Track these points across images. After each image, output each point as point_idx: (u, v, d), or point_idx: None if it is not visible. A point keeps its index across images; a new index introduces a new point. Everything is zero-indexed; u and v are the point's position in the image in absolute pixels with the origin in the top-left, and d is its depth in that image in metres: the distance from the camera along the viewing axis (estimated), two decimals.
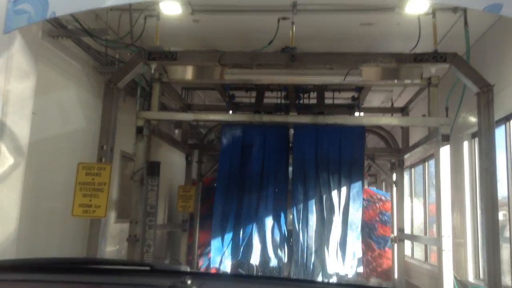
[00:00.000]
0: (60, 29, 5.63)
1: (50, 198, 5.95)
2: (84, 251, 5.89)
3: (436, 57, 5.62)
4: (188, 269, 1.54)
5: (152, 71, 6.47)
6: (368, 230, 10.11)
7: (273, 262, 7.20)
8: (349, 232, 7.17)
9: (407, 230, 10.23)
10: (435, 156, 7.48)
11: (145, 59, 5.96)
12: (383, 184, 14.43)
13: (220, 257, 7.18)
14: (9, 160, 4.35)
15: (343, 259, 7.11)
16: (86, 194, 5.70)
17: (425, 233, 10.65)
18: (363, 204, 7.57)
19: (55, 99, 5.95)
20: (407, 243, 10.70)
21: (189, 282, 1.34)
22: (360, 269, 7.43)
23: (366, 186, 11.08)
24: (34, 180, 5.44)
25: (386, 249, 10.22)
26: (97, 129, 6.17)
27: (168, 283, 1.35)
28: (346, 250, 7.13)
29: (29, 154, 4.82)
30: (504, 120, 6.51)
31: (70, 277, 1.47)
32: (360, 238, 7.32)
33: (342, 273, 7.12)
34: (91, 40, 6.21)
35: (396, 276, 9.32)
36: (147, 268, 1.55)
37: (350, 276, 7.18)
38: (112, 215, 7.68)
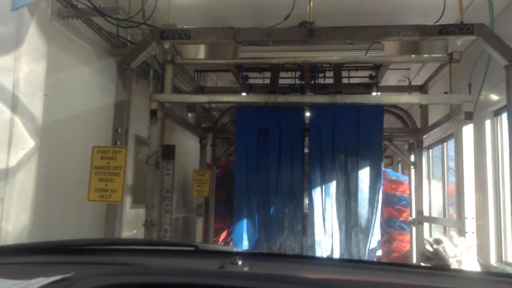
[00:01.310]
0: (70, 9, 5.48)
1: (65, 183, 5.86)
2: (102, 236, 5.82)
3: (462, 28, 5.36)
4: (234, 250, 1.40)
5: (165, 50, 6.29)
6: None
7: (292, 246, 7.12)
8: (369, 214, 7.03)
9: (426, 213, 10.03)
10: (456, 135, 7.27)
11: (158, 39, 5.79)
12: (399, 166, 14.21)
13: (242, 241, 7.14)
14: (23, 143, 4.23)
15: (364, 242, 6.99)
16: (102, 179, 5.59)
17: (444, 216, 10.45)
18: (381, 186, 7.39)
19: (67, 81, 5.82)
20: (425, 226, 10.52)
21: (240, 262, 1.19)
22: (379, 252, 7.31)
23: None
24: (48, 165, 5.35)
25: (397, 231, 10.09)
26: (111, 112, 6.05)
27: (217, 264, 1.21)
28: (368, 233, 7.00)
29: (42, 138, 4.71)
30: None
31: (117, 259, 1.34)
32: (379, 220, 7.18)
33: (363, 256, 7.00)
34: (102, 21, 6.06)
35: (414, 259, 9.16)
36: (192, 248, 1.41)
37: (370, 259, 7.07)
38: (128, 200, 7.61)
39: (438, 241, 2.50)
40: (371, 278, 1.24)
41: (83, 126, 6.21)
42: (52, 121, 5.33)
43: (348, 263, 1.42)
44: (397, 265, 1.43)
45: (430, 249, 2.51)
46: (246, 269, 1.21)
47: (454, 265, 2.33)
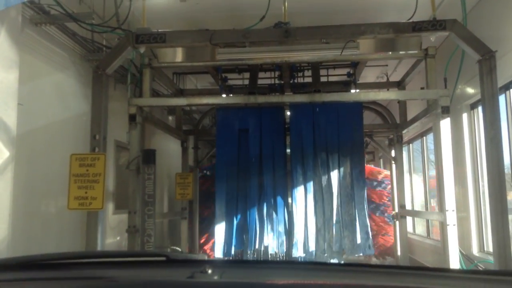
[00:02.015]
0: (43, 15, 5.40)
1: (44, 192, 5.79)
2: (83, 244, 5.75)
3: (435, 25, 5.43)
4: (206, 257, 1.39)
5: (142, 54, 6.25)
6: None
7: (276, 246, 7.11)
8: (353, 211, 7.06)
9: (408, 207, 10.16)
10: (434, 129, 7.36)
11: (133, 43, 5.74)
12: (381, 161, 14.36)
13: (223, 244, 7.09)
14: None
15: (350, 238, 7.01)
16: (81, 186, 5.51)
17: (426, 209, 10.60)
18: (366, 183, 7.44)
19: (42, 89, 5.74)
20: (409, 219, 10.65)
21: (209, 271, 1.20)
22: (371, 251, 7.26)
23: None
24: (25, 174, 5.27)
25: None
26: (88, 119, 5.98)
27: (187, 273, 1.20)
28: (353, 229, 7.02)
29: (18, 148, 4.63)
30: (504, 89, 6.37)
31: (81, 273, 1.33)
32: (367, 217, 7.20)
33: (354, 254, 7.03)
34: (77, 27, 5.99)
35: (399, 252, 9.27)
36: (163, 258, 1.40)
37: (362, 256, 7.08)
38: (110, 206, 7.54)
39: None
40: (341, 280, 1.25)
41: (60, 133, 6.13)
42: (28, 130, 5.26)
43: (320, 266, 1.43)
44: (369, 266, 1.44)
45: None
46: (215, 277, 1.21)
47: None
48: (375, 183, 10.29)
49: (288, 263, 1.36)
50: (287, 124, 7.61)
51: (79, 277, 1.27)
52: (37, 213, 5.65)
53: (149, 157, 6.67)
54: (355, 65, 7.92)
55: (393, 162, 9.51)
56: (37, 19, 5.46)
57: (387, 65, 9.48)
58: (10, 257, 1.50)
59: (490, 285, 1.25)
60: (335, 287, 1.16)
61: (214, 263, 1.26)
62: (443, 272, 1.35)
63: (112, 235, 7.60)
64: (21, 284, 1.15)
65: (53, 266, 1.37)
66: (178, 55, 6.69)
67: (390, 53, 6.65)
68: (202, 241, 9.71)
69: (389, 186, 9.99)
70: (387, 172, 10.28)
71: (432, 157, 9.92)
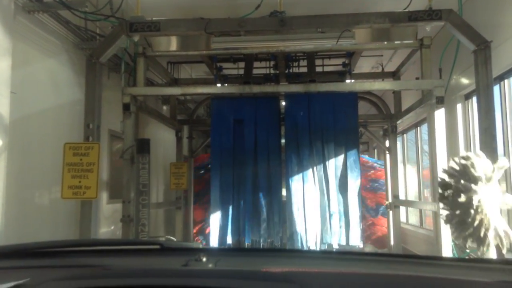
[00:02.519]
0: (36, 3, 5.33)
1: (38, 181, 5.76)
2: (77, 234, 5.74)
3: (431, 14, 5.42)
4: (201, 246, 1.39)
5: (136, 43, 6.19)
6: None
7: (270, 235, 7.13)
8: (349, 201, 7.09)
9: (402, 196, 10.21)
10: (428, 119, 7.37)
11: (127, 31, 5.68)
12: (375, 151, 14.40)
13: (218, 233, 7.11)
14: None
15: (345, 229, 7.04)
16: (75, 176, 5.50)
17: (420, 199, 10.65)
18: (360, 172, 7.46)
19: (35, 78, 5.68)
20: (402, 209, 10.71)
21: (204, 259, 1.19)
22: (359, 242, 7.29)
23: None
24: (19, 163, 5.24)
25: (379, 216, 10.21)
26: (82, 107, 5.94)
27: (181, 261, 1.20)
28: (348, 220, 7.05)
29: (11, 136, 4.60)
30: (498, 79, 6.38)
31: (75, 261, 1.32)
32: (360, 207, 7.23)
33: (344, 243, 7.06)
34: (70, 15, 5.92)
35: (392, 242, 9.33)
36: (157, 247, 1.39)
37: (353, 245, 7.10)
38: (104, 196, 7.52)
39: (466, 158, 2.30)
40: (337, 269, 1.25)
41: (53, 122, 6.08)
42: (21, 118, 5.22)
43: (314, 254, 1.44)
44: (364, 254, 1.44)
45: (456, 166, 2.32)
46: (210, 265, 1.21)
47: (482, 182, 2.20)
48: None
49: (282, 251, 1.37)
50: (282, 114, 7.59)
51: (73, 265, 1.27)
52: (30, 202, 5.63)
53: (143, 146, 6.63)
54: (351, 55, 7.90)
55: (387, 152, 9.54)
56: (30, 7, 5.39)
57: (382, 56, 9.47)
58: (2, 245, 1.49)
59: (482, 273, 1.25)
60: (331, 274, 1.16)
61: (208, 251, 1.26)
62: (436, 260, 1.36)
63: (106, 224, 7.59)
64: (15, 272, 1.14)
65: (47, 254, 1.36)
66: (172, 44, 6.65)
67: (386, 43, 6.64)
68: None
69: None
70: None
71: (426, 147, 9.96)
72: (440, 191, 2.44)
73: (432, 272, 1.18)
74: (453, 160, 2.49)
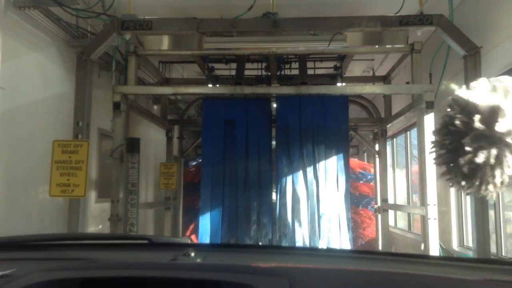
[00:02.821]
0: None
1: (26, 178, 5.70)
2: (65, 232, 5.69)
3: (422, 19, 5.47)
4: (189, 241, 1.39)
5: (127, 41, 6.17)
6: None
7: (260, 237, 7.13)
8: (338, 204, 7.11)
9: (391, 201, 10.27)
10: (418, 124, 7.42)
11: (119, 29, 5.66)
12: (365, 155, 14.48)
13: (208, 234, 7.09)
14: None
15: (334, 230, 7.06)
16: (64, 173, 5.46)
17: (408, 203, 10.72)
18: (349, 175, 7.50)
19: (24, 74, 5.63)
20: (391, 213, 10.77)
21: (192, 254, 1.19)
22: (348, 246, 7.31)
23: None
24: (7, 160, 5.19)
25: (363, 208, 10.29)
26: (72, 105, 5.90)
27: (169, 256, 1.20)
28: (338, 223, 7.07)
29: (0, 132, 4.55)
30: None
31: (65, 254, 1.31)
32: (350, 210, 7.26)
33: (333, 244, 7.08)
34: (61, 12, 5.88)
35: (380, 246, 9.37)
36: (145, 241, 1.39)
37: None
38: (93, 195, 7.46)
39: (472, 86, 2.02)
40: (326, 264, 1.26)
41: (42, 119, 6.03)
42: (10, 114, 5.17)
43: (303, 250, 1.44)
44: (353, 251, 1.45)
45: (463, 95, 1.99)
46: (198, 260, 1.20)
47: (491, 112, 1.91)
48: (369, 176, 10.42)
49: (271, 247, 1.37)
50: (273, 116, 7.61)
51: (59, 258, 1.25)
52: (18, 199, 5.56)
53: (133, 145, 6.59)
54: (342, 59, 7.94)
55: (377, 156, 9.58)
56: (21, 3, 5.34)
57: (373, 60, 9.52)
58: None
59: (470, 271, 1.26)
60: (319, 270, 1.16)
61: (197, 246, 1.26)
62: (425, 259, 1.37)
63: (94, 223, 7.53)
64: (1, 264, 1.13)
65: (34, 247, 1.35)
66: (164, 43, 6.62)
67: (377, 46, 6.68)
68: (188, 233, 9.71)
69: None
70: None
71: (415, 152, 10.02)
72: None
73: (420, 270, 1.18)
74: (456, 94, 2.08)
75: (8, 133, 5.14)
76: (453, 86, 7.29)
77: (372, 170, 10.47)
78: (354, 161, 10.60)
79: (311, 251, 1.44)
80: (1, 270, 1.04)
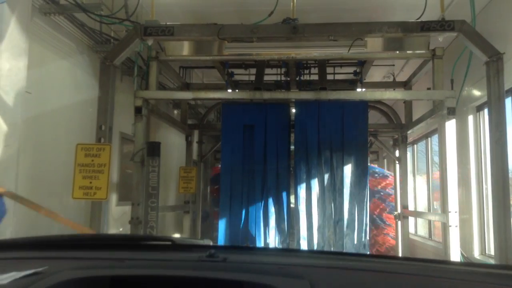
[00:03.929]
0: (52, 5, 5.42)
1: (49, 180, 5.82)
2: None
3: (443, 25, 5.42)
4: (211, 243, 1.42)
5: (149, 47, 6.27)
6: None
7: (277, 243, 7.13)
8: (355, 210, 7.07)
9: (411, 207, 10.15)
10: (439, 130, 7.35)
11: (141, 35, 5.76)
12: (385, 161, 14.35)
13: (227, 238, 7.12)
14: (4, 140, 4.19)
15: (350, 237, 7.01)
16: (86, 176, 5.55)
17: (429, 210, 10.59)
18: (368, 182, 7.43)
19: (50, 78, 5.77)
20: (411, 220, 10.65)
21: (215, 255, 1.21)
22: (366, 251, 7.25)
23: None
24: (32, 162, 5.31)
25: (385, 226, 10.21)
26: (95, 109, 6.01)
27: (192, 257, 1.23)
28: (354, 228, 7.03)
29: (24, 136, 4.66)
30: (510, 92, 6.34)
31: (93, 254, 1.35)
32: (368, 217, 7.19)
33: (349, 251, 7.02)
34: (86, 18, 6.01)
35: (400, 253, 9.27)
36: (169, 243, 1.42)
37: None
38: (114, 198, 7.58)
39: None
40: (347, 266, 1.27)
41: (66, 123, 6.16)
42: (36, 118, 5.29)
43: (323, 253, 1.46)
44: (372, 256, 1.46)
45: None
46: (220, 261, 1.23)
47: None
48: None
49: (291, 250, 1.39)
50: (292, 121, 7.61)
51: (89, 258, 1.30)
52: (41, 201, 5.66)
53: (153, 149, 6.69)
54: (362, 64, 7.91)
55: (397, 162, 9.50)
56: (46, 9, 5.48)
57: (394, 65, 9.47)
58: (24, 237, 1.53)
59: (487, 277, 1.26)
60: (340, 271, 1.18)
61: (219, 248, 1.29)
62: (445, 264, 1.37)
63: (115, 226, 7.64)
64: (35, 262, 1.18)
65: (66, 247, 1.40)
66: (185, 49, 6.71)
67: (398, 52, 6.64)
68: None
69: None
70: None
71: (436, 158, 9.91)
72: None
73: (439, 273, 1.19)
74: None
75: (33, 136, 5.26)
76: (475, 92, 7.21)
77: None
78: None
79: (331, 254, 1.46)
80: (34, 268, 1.09)
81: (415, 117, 8.51)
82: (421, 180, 11.52)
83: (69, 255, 1.32)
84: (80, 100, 6.46)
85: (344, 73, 9.18)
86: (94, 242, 1.41)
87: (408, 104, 8.91)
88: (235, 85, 8.73)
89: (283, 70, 8.31)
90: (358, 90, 8.33)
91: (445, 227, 6.33)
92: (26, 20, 4.54)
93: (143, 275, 1.10)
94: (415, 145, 11.70)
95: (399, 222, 9.25)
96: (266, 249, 1.22)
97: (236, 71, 8.57)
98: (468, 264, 1.26)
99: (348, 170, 7.22)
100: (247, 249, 1.41)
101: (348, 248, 7.01)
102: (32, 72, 5.01)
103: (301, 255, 1.42)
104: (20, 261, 1.25)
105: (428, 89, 7.00)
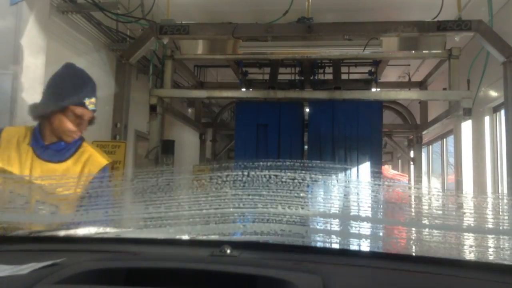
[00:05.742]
0: (70, 4, 5.50)
1: None
2: None
3: (460, 25, 5.37)
4: (224, 239, 1.44)
5: (165, 46, 6.32)
6: None
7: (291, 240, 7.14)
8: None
9: None
10: (455, 131, 7.27)
11: (157, 34, 5.81)
12: (399, 162, 14.25)
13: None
14: None
15: (365, 236, 6.98)
16: None
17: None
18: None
19: None
20: None
21: (228, 251, 1.23)
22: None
23: None
24: None
25: None
26: (110, 107, 6.08)
27: (206, 252, 1.24)
28: (368, 230, 6.99)
29: None
30: None
31: (110, 247, 1.39)
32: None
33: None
34: (102, 17, 6.08)
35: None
36: (184, 237, 1.45)
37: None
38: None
39: None
40: (361, 263, 1.27)
41: None
42: None
43: (337, 250, 1.47)
44: (386, 253, 1.47)
45: None
46: (235, 255, 1.25)
47: None
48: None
49: (305, 246, 1.40)
50: (306, 121, 7.60)
51: (106, 250, 1.33)
52: None
53: (168, 147, 6.75)
54: (377, 64, 7.87)
55: (411, 163, 9.43)
56: (64, 7, 5.56)
57: (409, 65, 9.39)
58: (41, 230, 1.57)
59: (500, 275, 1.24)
60: (354, 268, 1.19)
61: (233, 243, 1.30)
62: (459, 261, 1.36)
63: None
64: (53, 254, 1.21)
65: (84, 240, 1.43)
66: (200, 48, 6.75)
67: (413, 52, 6.59)
68: None
69: None
70: None
71: (451, 160, 9.80)
72: None
73: (455, 272, 1.19)
74: None
75: None
76: (492, 93, 7.12)
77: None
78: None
79: (344, 251, 1.47)
80: (53, 259, 1.12)
81: (430, 117, 8.43)
82: (436, 182, 11.41)
83: (87, 248, 1.35)
84: (97, 98, 6.52)
85: (358, 73, 9.14)
86: (111, 236, 1.44)
87: (423, 105, 8.83)
88: (249, 84, 8.75)
89: (297, 69, 8.31)
90: (373, 90, 8.28)
91: None
92: (44, 18, 4.61)
93: (157, 267, 1.12)
94: (430, 146, 11.59)
95: None
96: (278, 245, 1.23)
97: (250, 70, 8.59)
98: (483, 264, 1.25)
99: (362, 170, 7.19)
100: (260, 244, 1.42)
101: (363, 248, 6.98)
102: (50, 70, 5.07)
103: (314, 251, 1.43)
104: (37, 253, 1.29)
105: (444, 89, 6.94)
